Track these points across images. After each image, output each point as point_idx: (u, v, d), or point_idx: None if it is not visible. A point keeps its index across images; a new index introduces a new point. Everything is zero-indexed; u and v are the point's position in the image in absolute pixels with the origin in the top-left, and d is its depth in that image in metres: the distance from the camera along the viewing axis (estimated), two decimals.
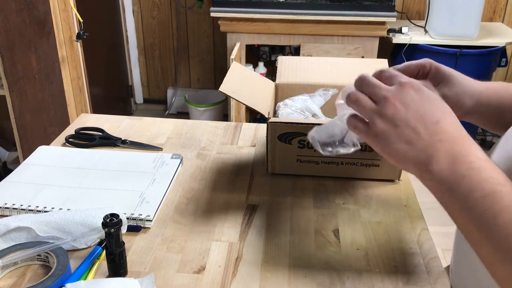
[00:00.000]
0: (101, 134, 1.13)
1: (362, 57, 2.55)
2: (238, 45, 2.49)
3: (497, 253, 0.51)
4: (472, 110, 0.72)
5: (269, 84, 1.08)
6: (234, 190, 0.95)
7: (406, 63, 0.72)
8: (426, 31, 2.66)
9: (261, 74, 2.73)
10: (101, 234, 0.78)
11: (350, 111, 0.65)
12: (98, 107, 2.68)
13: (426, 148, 0.57)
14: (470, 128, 0.76)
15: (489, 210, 0.51)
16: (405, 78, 0.60)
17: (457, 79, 0.72)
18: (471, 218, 0.53)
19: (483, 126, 0.78)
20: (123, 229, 0.80)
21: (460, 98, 0.71)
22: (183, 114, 3.37)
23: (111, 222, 0.70)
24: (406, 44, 2.58)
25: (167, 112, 3.41)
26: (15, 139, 1.86)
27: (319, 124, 0.70)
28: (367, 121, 0.61)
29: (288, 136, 0.94)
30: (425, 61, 0.72)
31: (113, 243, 0.71)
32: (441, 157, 0.56)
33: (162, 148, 1.09)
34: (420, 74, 0.72)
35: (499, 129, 0.75)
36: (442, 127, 0.57)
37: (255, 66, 2.91)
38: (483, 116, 0.74)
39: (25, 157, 1.46)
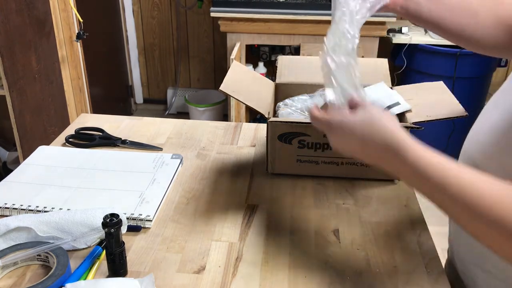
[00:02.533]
0: (101, 134, 1.13)
1: (362, 57, 2.55)
2: (238, 45, 2.49)
3: (463, 214, 0.58)
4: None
5: (269, 84, 1.08)
6: (234, 190, 0.95)
7: None
8: (426, 31, 2.66)
9: (261, 74, 2.73)
10: (101, 234, 0.78)
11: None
12: (98, 107, 2.68)
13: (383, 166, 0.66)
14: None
15: (444, 201, 0.60)
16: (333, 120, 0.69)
17: None
18: (441, 206, 0.61)
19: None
20: (123, 229, 0.80)
21: None
22: (183, 114, 3.36)
23: (111, 222, 0.70)
24: (406, 44, 2.58)
25: (167, 112, 3.41)
26: (15, 139, 1.86)
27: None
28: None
29: (288, 136, 0.94)
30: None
31: (113, 243, 0.71)
32: (397, 172, 0.65)
33: (162, 148, 1.09)
34: None
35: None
36: (370, 155, 0.66)
37: (255, 66, 2.91)
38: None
39: (25, 157, 1.46)
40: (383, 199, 0.93)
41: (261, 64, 2.93)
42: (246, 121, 2.69)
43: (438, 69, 2.56)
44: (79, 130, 1.14)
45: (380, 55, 2.57)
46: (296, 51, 2.80)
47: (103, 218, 0.70)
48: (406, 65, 2.65)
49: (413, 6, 0.79)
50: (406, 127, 0.90)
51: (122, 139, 1.10)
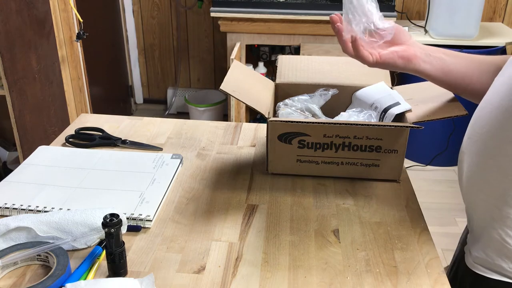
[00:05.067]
0: (101, 134, 1.13)
1: None
2: (238, 45, 2.49)
3: None
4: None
5: (269, 84, 1.08)
6: (234, 190, 0.95)
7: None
8: (426, 31, 2.66)
9: (261, 74, 2.73)
10: (101, 234, 0.78)
11: None
12: (98, 107, 2.68)
13: None
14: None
15: None
16: None
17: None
18: None
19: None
20: (123, 229, 0.80)
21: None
22: (183, 114, 3.36)
23: (111, 222, 0.70)
24: None
25: (167, 112, 3.41)
26: (15, 139, 1.86)
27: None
28: None
29: (288, 136, 0.94)
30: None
31: (113, 243, 0.71)
32: None
33: (162, 148, 1.09)
34: None
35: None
36: None
37: (255, 66, 2.91)
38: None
39: (25, 157, 1.46)
40: (383, 199, 0.93)
41: (261, 64, 2.93)
42: (246, 121, 2.69)
43: None
44: (79, 130, 1.14)
45: None
46: (296, 51, 2.80)
47: (103, 218, 0.70)
48: None
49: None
50: (406, 127, 0.90)
51: (122, 139, 1.10)
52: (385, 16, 0.84)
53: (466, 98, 0.90)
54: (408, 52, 0.86)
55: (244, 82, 1.02)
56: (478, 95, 0.81)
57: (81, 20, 2.07)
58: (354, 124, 0.92)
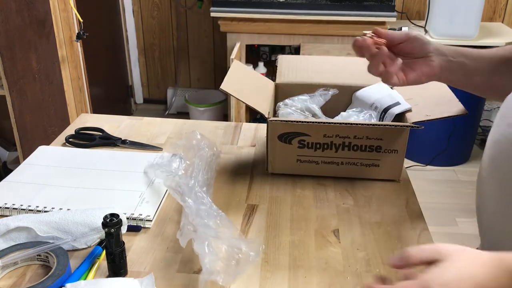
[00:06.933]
0: (101, 134, 1.13)
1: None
2: (238, 45, 2.49)
3: None
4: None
5: (269, 84, 1.08)
6: (234, 190, 0.95)
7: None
8: (426, 31, 2.66)
9: (261, 74, 2.73)
10: (101, 234, 0.78)
11: None
12: (98, 107, 2.68)
13: None
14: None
15: None
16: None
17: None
18: None
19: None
20: (123, 229, 0.80)
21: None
22: (183, 114, 3.36)
23: (111, 222, 0.70)
24: None
25: (167, 112, 3.41)
26: (15, 139, 1.86)
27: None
28: None
29: (288, 136, 0.94)
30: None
31: (113, 243, 0.71)
32: None
33: (162, 148, 1.09)
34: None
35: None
36: None
37: (255, 66, 2.91)
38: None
39: (25, 157, 1.46)
40: (383, 199, 0.93)
41: (261, 64, 2.93)
42: (246, 121, 2.69)
43: None
44: (79, 130, 1.14)
45: None
46: (296, 51, 2.80)
47: (103, 218, 0.70)
48: None
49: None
50: (406, 127, 0.90)
51: (122, 139, 1.10)
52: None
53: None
54: (432, 68, 0.85)
55: (244, 82, 1.02)
56: (501, 94, 0.79)
57: (81, 20, 2.07)
58: (354, 124, 0.92)
